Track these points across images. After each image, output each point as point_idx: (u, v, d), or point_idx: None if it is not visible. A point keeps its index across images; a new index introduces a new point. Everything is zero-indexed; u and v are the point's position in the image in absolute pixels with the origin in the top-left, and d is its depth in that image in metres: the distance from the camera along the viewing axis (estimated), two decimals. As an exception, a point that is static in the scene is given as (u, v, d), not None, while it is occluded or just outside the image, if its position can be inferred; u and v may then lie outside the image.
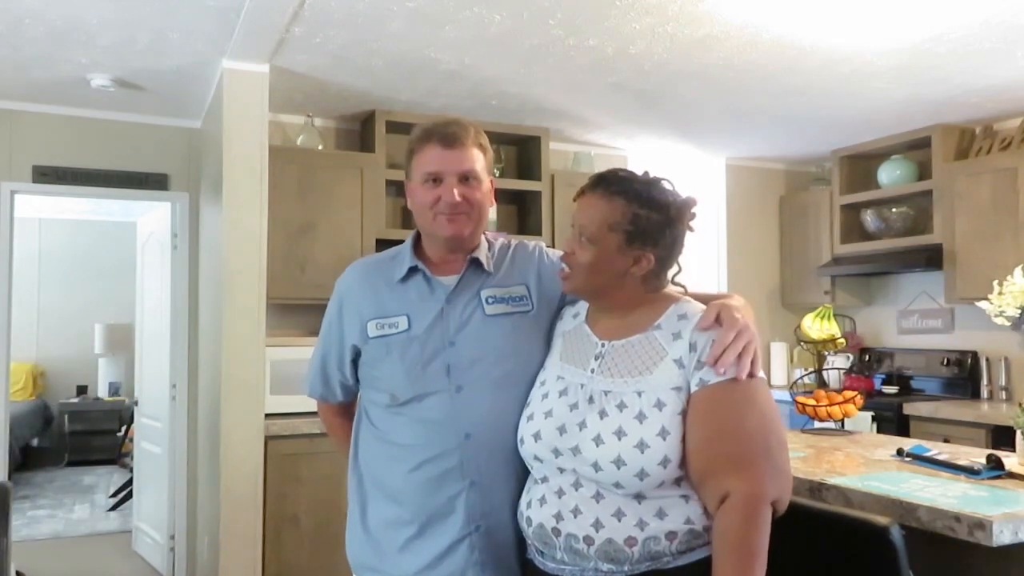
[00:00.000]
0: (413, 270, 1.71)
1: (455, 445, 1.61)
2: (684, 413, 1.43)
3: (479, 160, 1.68)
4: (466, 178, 1.66)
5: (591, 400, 1.50)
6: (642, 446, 1.41)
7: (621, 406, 1.46)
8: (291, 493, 3.72)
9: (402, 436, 1.66)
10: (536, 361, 1.65)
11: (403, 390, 1.65)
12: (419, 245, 1.76)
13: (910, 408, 4.42)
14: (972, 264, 4.45)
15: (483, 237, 1.76)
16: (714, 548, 1.38)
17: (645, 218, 1.50)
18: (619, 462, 1.41)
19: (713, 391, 1.42)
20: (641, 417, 1.43)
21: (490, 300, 1.68)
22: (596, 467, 1.43)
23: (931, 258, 4.65)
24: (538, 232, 4.63)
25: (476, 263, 1.71)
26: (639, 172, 1.57)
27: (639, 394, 1.46)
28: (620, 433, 1.43)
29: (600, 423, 1.46)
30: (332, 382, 1.82)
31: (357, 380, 1.79)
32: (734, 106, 4.33)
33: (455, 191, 1.64)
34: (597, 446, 1.44)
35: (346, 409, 1.88)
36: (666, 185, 1.55)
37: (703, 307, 1.54)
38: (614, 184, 1.53)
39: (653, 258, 1.52)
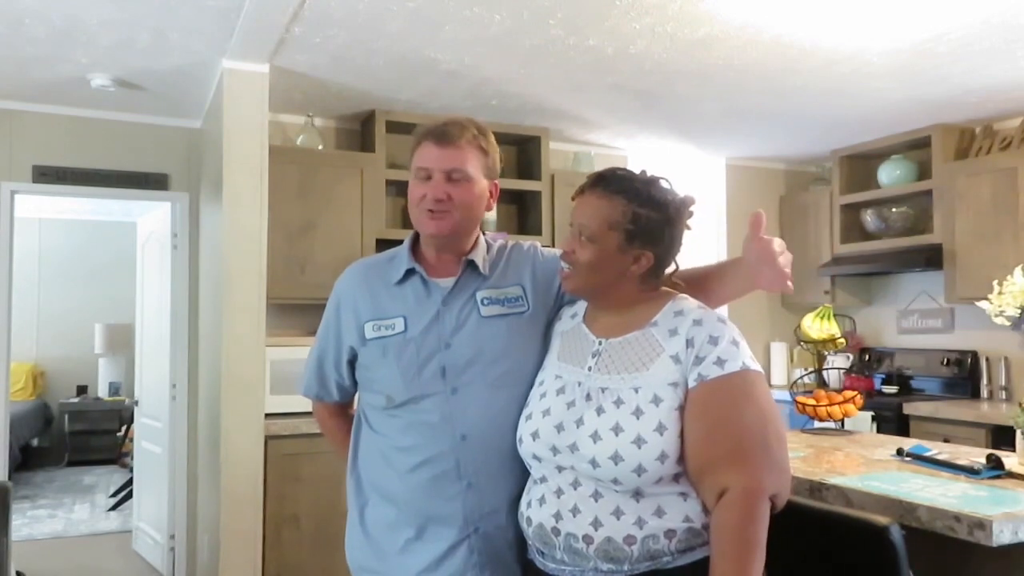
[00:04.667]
0: (410, 272, 1.71)
1: (451, 447, 1.61)
2: (681, 408, 1.44)
3: (473, 160, 1.66)
4: (454, 176, 1.64)
5: (588, 397, 1.50)
6: (639, 441, 1.41)
7: (618, 402, 1.46)
8: (291, 493, 3.72)
9: (399, 438, 1.66)
10: (533, 361, 1.65)
11: (399, 392, 1.65)
12: (417, 247, 1.76)
13: (910, 408, 4.42)
14: (972, 264, 4.45)
15: (482, 238, 1.75)
16: (712, 542, 1.38)
17: (645, 217, 1.50)
18: (616, 458, 1.41)
19: (710, 387, 1.43)
20: (638, 413, 1.44)
21: (485, 302, 1.68)
22: (594, 463, 1.44)
23: (931, 258, 4.65)
24: (538, 232, 4.63)
25: (472, 265, 1.71)
26: (637, 171, 1.57)
27: (636, 390, 1.46)
28: (617, 429, 1.43)
29: (597, 419, 1.46)
30: (328, 382, 1.82)
31: (353, 381, 1.79)
32: (734, 106, 4.33)
33: (441, 187, 1.64)
34: (595, 442, 1.44)
35: (342, 410, 1.88)
36: (664, 184, 1.55)
37: (699, 304, 1.55)
38: (614, 183, 1.53)
39: (652, 257, 1.53)
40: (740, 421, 1.41)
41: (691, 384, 1.44)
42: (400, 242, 1.80)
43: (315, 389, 1.85)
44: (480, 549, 1.61)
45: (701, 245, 5.52)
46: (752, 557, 1.34)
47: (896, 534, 1.51)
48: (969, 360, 4.72)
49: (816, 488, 2.13)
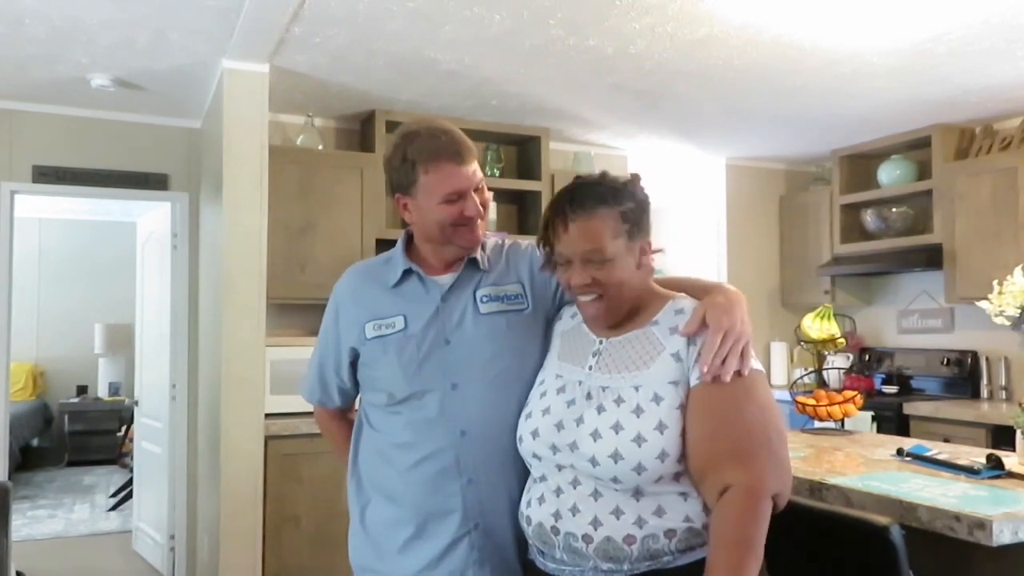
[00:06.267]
0: (407, 272, 1.72)
1: (451, 443, 1.62)
2: (682, 407, 1.43)
3: (478, 164, 1.72)
4: (478, 188, 1.68)
5: (588, 396, 1.50)
6: (639, 440, 1.41)
7: (619, 401, 1.46)
8: (291, 493, 3.73)
9: (399, 435, 1.66)
10: (533, 359, 1.66)
11: (400, 388, 1.66)
12: (410, 247, 1.76)
13: (910, 408, 4.42)
14: (972, 264, 4.45)
15: None
16: (711, 538, 1.38)
17: (630, 211, 1.51)
18: (616, 456, 1.41)
19: (712, 386, 1.42)
20: (638, 411, 1.43)
21: (484, 299, 1.69)
22: (593, 462, 1.43)
23: (931, 258, 4.65)
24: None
25: (472, 262, 1.71)
26: (574, 179, 1.57)
27: (636, 388, 1.46)
28: (617, 427, 1.43)
29: (597, 418, 1.46)
30: (330, 387, 1.82)
31: (355, 385, 1.79)
32: (734, 106, 4.33)
33: (475, 204, 1.66)
34: (595, 441, 1.44)
35: (343, 414, 1.89)
36: (615, 175, 1.56)
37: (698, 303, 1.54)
38: (588, 199, 1.50)
39: (649, 242, 1.54)
40: (742, 420, 1.41)
41: (692, 383, 1.44)
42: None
43: (318, 395, 1.86)
44: (481, 546, 1.61)
45: (701, 245, 5.52)
46: (749, 554, 1.33)
47: (896, 534, 1.51)
48: (969, 360, 4.72)
49: (816, 488, 2.13)
